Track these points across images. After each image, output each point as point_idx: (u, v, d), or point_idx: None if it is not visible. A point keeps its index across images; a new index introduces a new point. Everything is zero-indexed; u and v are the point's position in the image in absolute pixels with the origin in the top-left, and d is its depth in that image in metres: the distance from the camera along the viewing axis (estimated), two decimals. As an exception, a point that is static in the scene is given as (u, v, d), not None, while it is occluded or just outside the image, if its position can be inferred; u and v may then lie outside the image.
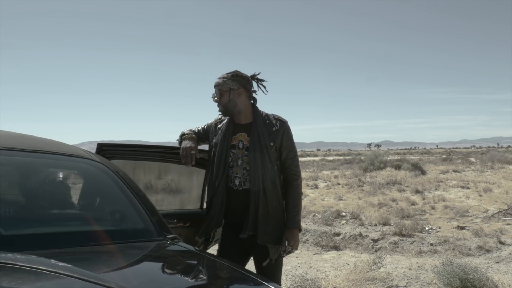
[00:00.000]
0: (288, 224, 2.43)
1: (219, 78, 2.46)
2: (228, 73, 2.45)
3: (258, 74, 2.52)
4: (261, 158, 2.36)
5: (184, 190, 2.94)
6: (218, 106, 2.47)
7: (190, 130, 2.60)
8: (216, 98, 2.45)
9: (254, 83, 2.52)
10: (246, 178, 2.39)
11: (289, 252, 2.43)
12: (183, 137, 2.53)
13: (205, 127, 2.60)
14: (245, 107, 2.46)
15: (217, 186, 2.42)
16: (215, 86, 2.46)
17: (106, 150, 2.51)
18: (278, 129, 2.42)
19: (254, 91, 2.51)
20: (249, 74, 2.51)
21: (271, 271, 2.41)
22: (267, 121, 2.45)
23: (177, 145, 2.62)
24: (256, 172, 2.36)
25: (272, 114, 2.50)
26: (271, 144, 2.39)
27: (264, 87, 2.54)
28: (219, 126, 2.52)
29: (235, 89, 2.41)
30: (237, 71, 2.46)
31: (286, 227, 2.43)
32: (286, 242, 2.42)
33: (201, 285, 1.57)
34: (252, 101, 2.50)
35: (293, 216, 2.42)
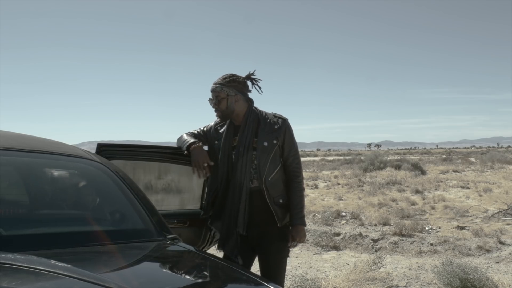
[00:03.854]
0: (292, 221, 2.47)
1: (215, 83, 2.44)
2: (224, 78, 2.44)
3: (253, 73, 2.51)
4: (243, 158, 2.38)
5: (184, 190, 2.94)
6: (216, 111, 2.48)
7: (191, 133, 2.60)
8: (213, 104, 2.46)
9: (249, 83, 2.52)
10: (253, 176, 2.42)
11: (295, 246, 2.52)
12: (192, 147, 2.46)
13: (205, 129, 2.62)
14: (242, 110, 2.47)
15: (225, 186, 2.46)
16: (212, 91, 2.45)
17: (106, 150, 2.51)
18: (280, 127, 2.45)
19: (250, 91, 2.52)
20: (247, 74, 2.51)
21: (275, 270, 2.43)
22: (268, 120, 2.46)
23: (176, 145, 2.62)
24: (240, 170, 2.39)
25: (273, 113, 2.53)
26: (274, 142, 2.41)
27: (259, 87, 2.54)
28: (220, 131, 2.52)
29: (233, 95, 2.42)
30: (233, 75, 2.45)
31: (291, 224, 2.47)
32: (292, 238, 2.46)
33: (201, 285, 1.57)
34: (249, 102, 2.50)
35: (297, 213, 2.46)
